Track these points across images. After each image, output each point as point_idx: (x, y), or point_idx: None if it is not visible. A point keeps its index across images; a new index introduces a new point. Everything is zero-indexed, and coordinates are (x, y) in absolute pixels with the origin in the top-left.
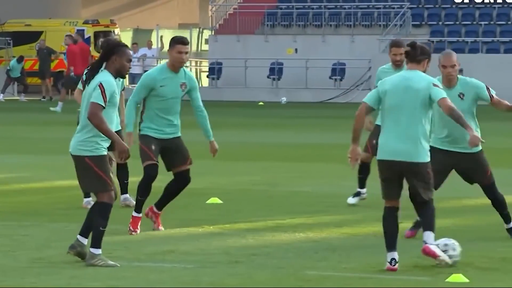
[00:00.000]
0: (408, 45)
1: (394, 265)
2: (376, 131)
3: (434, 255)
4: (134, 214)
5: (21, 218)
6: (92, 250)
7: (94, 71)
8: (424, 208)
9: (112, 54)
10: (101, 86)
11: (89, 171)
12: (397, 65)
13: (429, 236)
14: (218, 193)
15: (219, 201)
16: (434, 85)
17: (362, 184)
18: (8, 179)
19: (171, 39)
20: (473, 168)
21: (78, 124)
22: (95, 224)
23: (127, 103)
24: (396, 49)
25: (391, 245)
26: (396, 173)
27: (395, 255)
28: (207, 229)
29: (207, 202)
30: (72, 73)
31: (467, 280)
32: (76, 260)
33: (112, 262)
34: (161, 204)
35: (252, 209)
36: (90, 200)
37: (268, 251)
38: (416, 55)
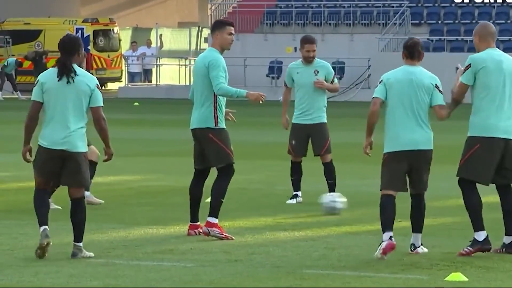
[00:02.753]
0: (408, 46)
1: (394, 241)
2: (293, 131)
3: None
4: (214, 220)
5: (18, 216)
6: (80, 244)
7: (68, 67)
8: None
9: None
10: (99, 87)
11: (82, 166)
12: (309, 61)
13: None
14: None
15: None
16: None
17: (297, 187)
18: (4, 177)
19: (219, 21)
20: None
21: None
22: (80, 220)
23: (223, 87)
24: (309, 46)
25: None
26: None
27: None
28: None
29: (206, 201)
30: None
31: (466, 279)
32: (75, 259)
33: (91, 253)
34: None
35: (251, 207)
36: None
37: (267, 249)
38: (419, 53)
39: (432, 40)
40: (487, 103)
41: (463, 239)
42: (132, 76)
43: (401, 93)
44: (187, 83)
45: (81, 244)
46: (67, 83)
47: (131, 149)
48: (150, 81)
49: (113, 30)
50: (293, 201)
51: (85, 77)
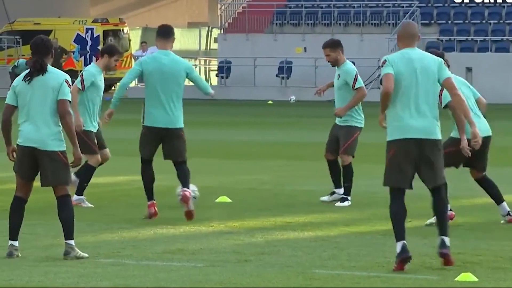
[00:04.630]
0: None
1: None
2: (331, 129)
3: None
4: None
5: (27, 216)
6: (71, 242)
7: (42, 66)
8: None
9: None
10: (68, 83)
11: (61, 164)
12: (333, 65)
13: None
14: (226, 192)
15: (228, 200)
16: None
17: (336, 184)
18: (13, 177)
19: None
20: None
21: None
22: (68, 217)
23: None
24: (323, 50)
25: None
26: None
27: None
28: (216, 228)
29: (216, 201)
30: None
31: (476, 279)
32: (84, 259)
33: (84, 254)
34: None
35: (261, 208)
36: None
37: (277, 249)
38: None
39: (442, 40)
40: (399, 104)
41: (473, 240)
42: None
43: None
44: None
45: (72, 242)
46: (28, 82)
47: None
48: None
49: (123, 30)
50: (326, 198)
51: (53, 74)
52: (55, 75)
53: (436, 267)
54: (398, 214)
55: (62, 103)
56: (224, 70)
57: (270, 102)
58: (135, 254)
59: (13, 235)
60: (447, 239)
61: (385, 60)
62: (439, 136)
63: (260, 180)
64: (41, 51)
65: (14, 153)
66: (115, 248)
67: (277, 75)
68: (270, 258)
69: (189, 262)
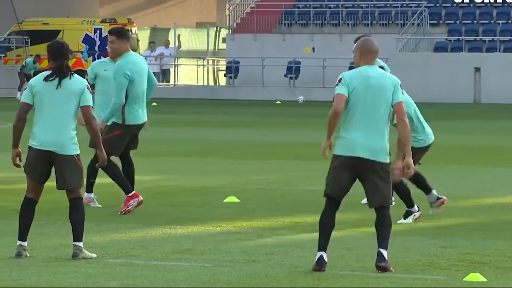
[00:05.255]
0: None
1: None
2: None
3: None
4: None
5: (36, 216)
6: (80, 244)
7: (67, 70)
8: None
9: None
10: (89, 88)
11: (77, 168)
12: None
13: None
14: (234, 192)
15: (237, 200)
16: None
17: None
18: (22, 178)
19: None
20: None
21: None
22: (79, 219)
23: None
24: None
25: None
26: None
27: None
28: (224, 228)
29: (224, 201)
30: None
31: (484, 279)
32: (93, 259)
33: (93, 254)
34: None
35: (269, 208)
36: (93, 196)
37: (285, 249)
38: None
39: (450, 40)
40: (351, 121)
41: (481, 240)
42: None
43: None
44: (205, 83)
45: (81, 244)
46: (57, 86)
47: (148, 149)
48: (168, 81)
49: (131, 30)
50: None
51: (75, 79)
52: (77, 80)
53: (444, 267)
54: (326, 225)
55: (86, 109)
56: (232, 70)
57: (278, 102)
58: (143, 254)
59: (22, 236)
60: (385, 252)
61: (341, 78)
62: (387, 159)
63: (268, 180)
64: (63, 55)
65: (18, 159)
66: (123, 248)
67: (285, 75)
68: (279, 258)
69: (198, 262)
